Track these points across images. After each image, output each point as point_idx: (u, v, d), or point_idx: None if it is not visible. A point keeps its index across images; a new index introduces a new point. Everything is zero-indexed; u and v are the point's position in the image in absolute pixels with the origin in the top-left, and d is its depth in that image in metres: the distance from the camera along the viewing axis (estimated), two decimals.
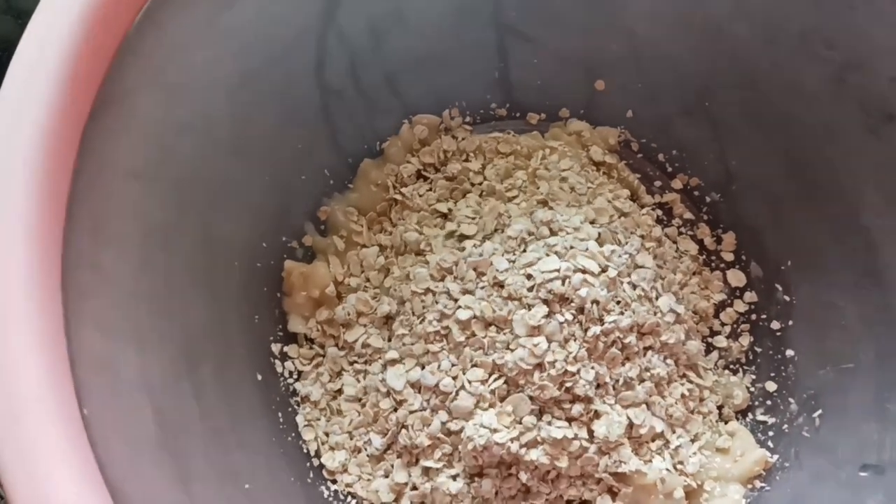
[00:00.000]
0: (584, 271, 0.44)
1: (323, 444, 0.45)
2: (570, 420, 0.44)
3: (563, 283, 0.43)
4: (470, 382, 0.43)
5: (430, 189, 0.50)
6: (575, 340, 0.43)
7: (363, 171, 0.50)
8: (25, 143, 0.30)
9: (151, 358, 0.35)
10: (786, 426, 0.48)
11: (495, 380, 0.43)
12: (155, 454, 0.33)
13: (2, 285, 0.29)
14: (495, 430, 0.43)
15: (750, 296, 0.51)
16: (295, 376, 0.47)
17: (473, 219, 0.48)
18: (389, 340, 0.46)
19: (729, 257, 0.52)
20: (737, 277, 0.52)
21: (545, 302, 0.43)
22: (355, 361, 0.47)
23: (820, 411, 0.47)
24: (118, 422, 0.32)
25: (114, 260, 0.34)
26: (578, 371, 0.43)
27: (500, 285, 0.44)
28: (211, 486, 0.36)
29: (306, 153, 0.47)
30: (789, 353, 0.49)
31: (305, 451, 0.45)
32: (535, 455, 0.43)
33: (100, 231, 0.34)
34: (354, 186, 0.50)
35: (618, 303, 0.45)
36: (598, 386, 0.44)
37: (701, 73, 0.50)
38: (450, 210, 0.49)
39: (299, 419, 0.46)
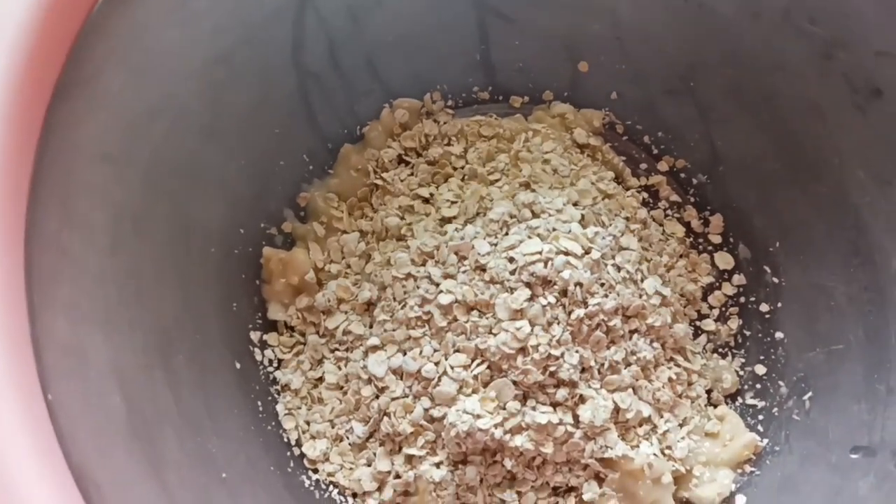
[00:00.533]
0: (566, 253, 0.43)
1: (304, 432, 0.45)
2: (554, 405, 0.43)
3: (545, 266, 0.43)
4: (452, 368, 0.43)
5: (412, 174, 0.49)
6: (558, 324, 0.42)
7: (343, 156, 0.49)
8: None
9: (122, 344, 0.35)
10: (776, 409, 0.47)
11: (478, 365, 0.43)
12: (125, 442, 0.32)
13: None
14: (479, 416, 0.42)
15: (738, 278, 0.50)
16: (275, 365, 0.46)
17: (455, 202, 0.47)
18: (371, 327, 0.46)
19: (717, 239, 0.51)
20: (724, 260, 0.51)
21: (527, 285, 0.43)
22: (336, 349, 0.46)
23: (810, 394, 0.46)
24: (86, 409, 0.31)
25: (82, 244, 0.33)
26: (562, 355, 0.42)
27: (482, 269, 0.44)
28: (186, 474, 0.35)
29: (284, 137, 0.46)
30: (778, 335, 0.48)
31: (286, 440, 0.44)
32: (519, 441, 0.42)
33: (67, 214, 0.33)
34: (335, 172, 0.49)
35: (602, 285, 0.44)
36: (582, 370, 0.43)
37: (685, 52, 0.49)
38: (431, 195, 0.48)
39: (279, 408, 0.45)
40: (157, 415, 0.35)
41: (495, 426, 0.42)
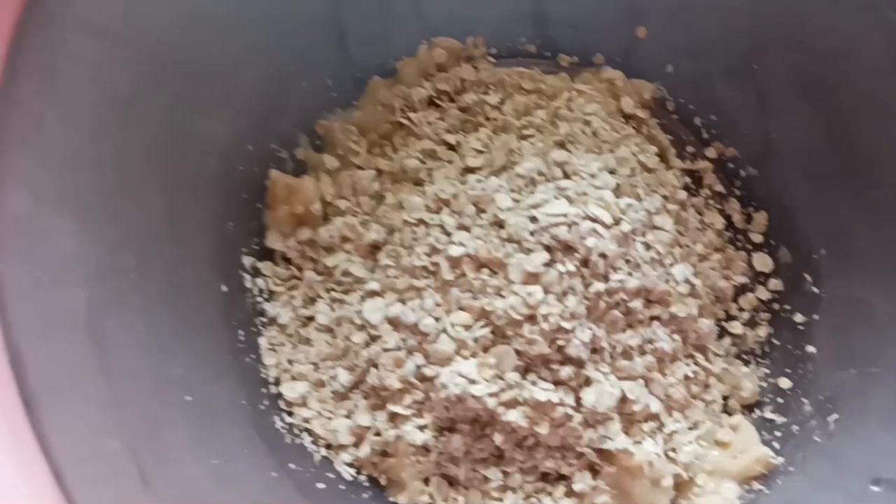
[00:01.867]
0: (594, 220, 0.40)
1: (284, 371, 0.41)
2: (557, 383, 0.40)
3: (569, 230, 0.39)
4: (453, 326, 0.39)
5: (441, 118, 0.46)
6: (574, 295, 0.39)
7: (371, 89, 0.46)
8: None
9: (93, 236, 0.32)
10: (796, 427, 0.43)
11: (481, 327, 0.39)
12: (76, 336, 0.29)
13: None
14: (473, 382, 0.39)
15: (775, 283, 0.47)
16: (265, 295, 0.43)
17: (482, 153, 0.43)
18: (372, 271, 0.42)
19: (758, 239, 0.48)
20: (763, 262, 0.47)
21: (547, 248, 0.39)
22: (333, 289, 0.43)
23: (836, 416, 0.42)
24: (36, 292, 0.28)
25: (59, 119, 0.30)
26: (574, 329, 0.39)
27: (500, 225, 0.40)
28: (141, 386, 0.32)
29: (309, 56, 0.43)
30: (810, 349, 0.45)
31: (264, 376, 0.41)
32: (513, 416, 0.39)
33: (48, 83, 0.30)
34: (359, 104, 0.46)
35: (627, 261, 0.40)
36: (593, 350, 0.40)
37: (752, 30, 0.45)
38: (458, 142, 0.45)
39: (262, 341, 0.42)
40: (120, 319, 0.32)
41: (490, 395, 0.38)
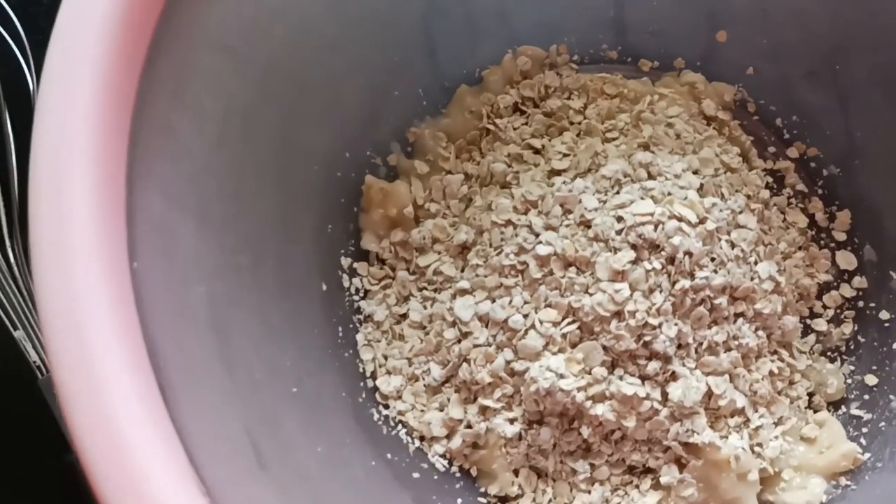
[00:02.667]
0: (680, 219, 0.41)
1: (380, 366, 0.43)
2: (643, 378, 0.41)
3: (655, 229, 0.40)
4: (541, 322, 0.41)
5: (526, 123, 0.48)
6: (660, 292, 0.40)
7: (459, 97, 0.48)
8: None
9: (213, 238, 0.34)
10: (883, 424, 0.43)
11: (569, 324, 0.41)
12: (201, 329, 0.32)
13: (63, 124, 0.28)
14: (562, 376, 0.40)
15: (859, 281, 0.47)
16: (361, 294, 0.45)
17: (567, 155, 0.45)
18: (462, 271, 0.44)
19: (841, 237, 0.48)
20: (847, 260, 0.47)
21: (633, 247, 0.40)
22: (425, 288, 0.45)
23: None
24: (168, 288, 0.30)
25: (190, 129, 0.33)
26: (660, 325, 0.40)
27: (587, 225, 0.42)
28: (257, 377, 0.35)
29: (402, 67, 0.45)
30: None
31: (361, 370, 0.43)
32: (601, 410, 0.40)
33: (178, 96, 0.33)
34: (448, 111, 0.48)
35: (712, 259, 0.41)
36: (679, 346, 0.41)
37: (833, 31, 0.46)
38: (543, 146, 0.46)
39: (359, 337, 0.44)
40: (237, 314, 0.35)
41: (578, 389, 0.40)
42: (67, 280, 0.26)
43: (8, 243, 0.44)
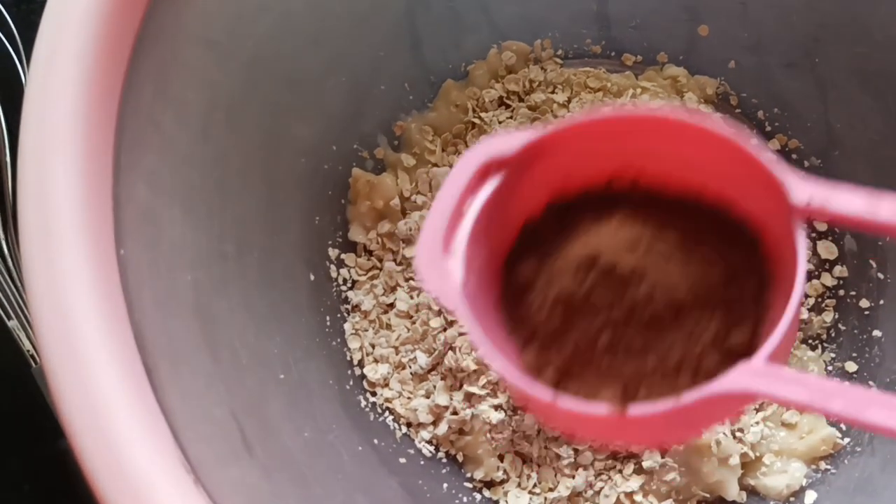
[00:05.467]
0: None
1: (367, 355, 0.44)
2: None
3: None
4: None
5: (511, 117, 0.48)
6: None
7: (445, 91, 0.49)
8: None
9: (199, 227, 0.35)
10: None
11: None
12: (186, 315, 0.33)
13: (50, 116, 0.28)
14: None
15: (840, 270, 0.47)
16: (349, 284, 0.46)
17: None
18: None
19: (822, 227, 0.48)
20: (828, 249, 0.48)
21: None
22: (411, 278, 0.45)
23: None
24: (153, 274, 0.31)
25: (174, 122, 0.34)
26: None
27: None
28: (242, 362, 0.35)
29: (387, 62, 0.46)
30: (876, 333, 0.45)
31: (349, 358, 0.44)
32: None
33: (163, 89, 0.33)
34: (434, 105, 0.49)
35: None
36: None
37: (812, 23, 0.46)
38: None
39: (347, 326, 0.45)
40: (223, 301, 0.36)
41: None
42: (54, 266, 0.27)
43: (1, 235, 0.45)
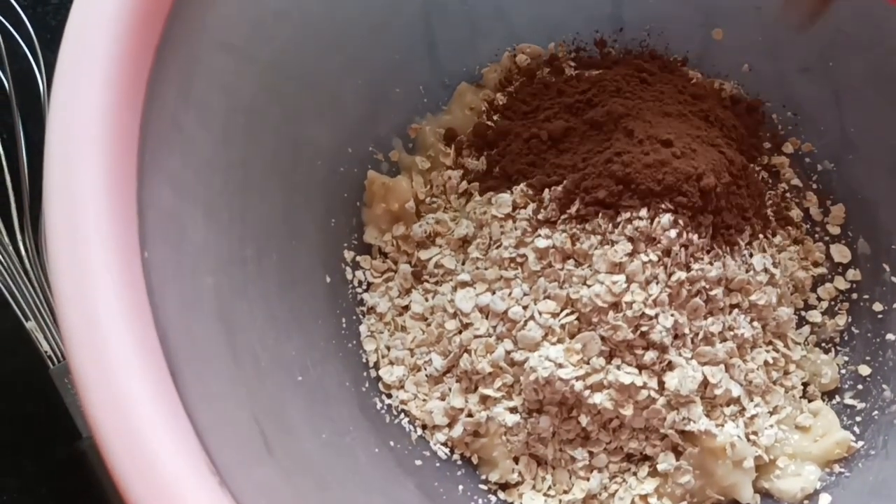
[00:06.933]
0: (675, 212, 0.41)
1: (383, 357, 0.44)
2: (640, 367, 0.42)
3: (651, 222, 0.41)
4: (540, 314, 0.42)
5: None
6: (657, 283, 0.41)
7: (459, 94, 0.49)
8: None
9: (220, 230, 0.35)
10: (876, 413, 0.44)
11: (567, 315, 0.42)
12: (208, 319, 0.33)
13: (75, 121, 0.29)
14: (560, 366, 0.41)
15: (853, 273, 0.48)
16: (364, 286, 0.46)
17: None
18: (463, 264, 0.45)
19: (835, 231, 0.49)
20: (841, 253, 0.48)
21: (630, 239, 0.41)
22: (426, 280, 0.46)
23: None
24: (177, 277, 0.31)
25: (196, 125, 0.34)
26: (656, 316, 0.41)
27: (584, 218, 0.42)
28: (263, 365, 0.36)
29: (403, 65, 0.46)
30: (890, 337, 0.46)
31: (364, 360, 0.44)
32: (599, 399, 0.41)
33: (185, 93, 0.34)
34: (448, 108, 0.49)
35: (708, 251, 0.42)
36: (675, 336, 0.42)
37: (827, 28, 0.46)
38: None
39: (362, 328, 0.45)
40: (243, 304, 0.36)
41: (576, 378, 0.41)
42: (81, 270, 0.27)
43: (19, 237, 0.45)
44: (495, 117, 0.48)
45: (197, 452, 0.28)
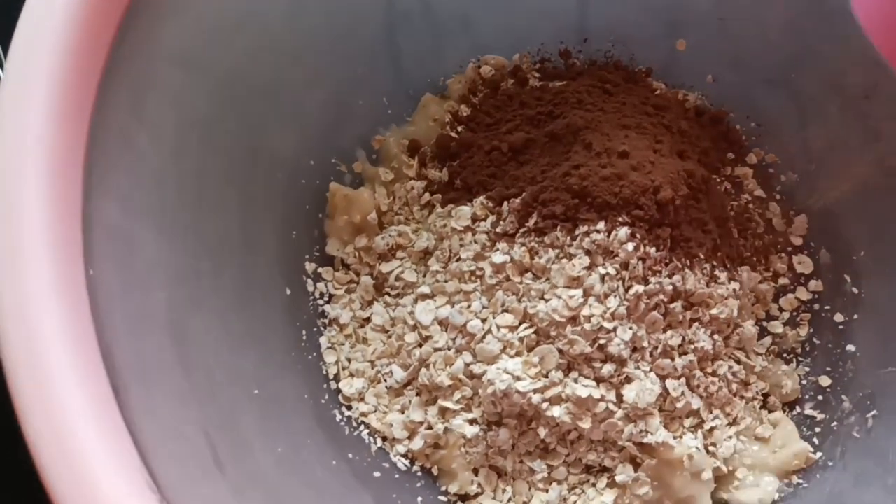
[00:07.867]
0: (632, 225, 0.42)
1: (343, 369, 0.44)
2: (598, 380, 0.42)
3: (608, 236, 0.41)
4: (499, 328, 0.42)
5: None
6: (615, 297, 0.41)
7: (423, 105, 0.49)
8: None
9: (174, 245, 0.35)
10: (835, 424, 0.45)
11: (525, 328, 0.42)
12: (159, 334, 0.33)
13: (18, 135, 0.29)
14: (518, 378, 0.41)
15: (815, 284, 0.48)
16: (326, 298, 0.46)
17: None
18: (424, 276, 0.45)
19: (797, 241, 0.49)
20: (803, 264, 0.48)
21: (587, 253, 0.41)
22: (388, 293, 0.46)
23: (874, 412, 0.43)
24: (125, 294, 0.31)
25: (148, 139, 0.34)
26: (614, 329, 0.41)
27: (543, 232, 0.43)
28: (217, 379, 0.36)
29: (366, 77, 0.46)
30: (850, 348, 0.46)
31: (324, 372, 0.44)
32: (557, 412, 0.41)
33: (136, 108, 0.34)
34: (412, 120, 0.49)
35: (666, 265, 0.42)
36: (634, 349, 0.42)
37: (790, 40, 0.47)
38: None
39: (323, 340, 0.45)
40: (197, 319, 0.36)
41: (534, 391, 0.41)
42: (21, 287, 0.27)
43: None
44: (459, 129, 0.48)
45: (137, 471, 0.28)
